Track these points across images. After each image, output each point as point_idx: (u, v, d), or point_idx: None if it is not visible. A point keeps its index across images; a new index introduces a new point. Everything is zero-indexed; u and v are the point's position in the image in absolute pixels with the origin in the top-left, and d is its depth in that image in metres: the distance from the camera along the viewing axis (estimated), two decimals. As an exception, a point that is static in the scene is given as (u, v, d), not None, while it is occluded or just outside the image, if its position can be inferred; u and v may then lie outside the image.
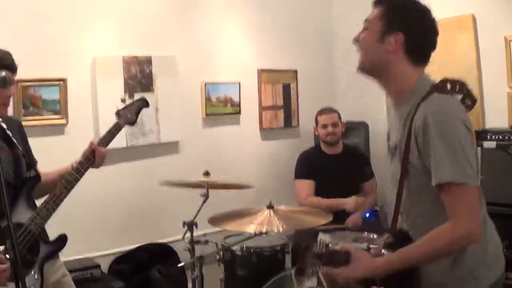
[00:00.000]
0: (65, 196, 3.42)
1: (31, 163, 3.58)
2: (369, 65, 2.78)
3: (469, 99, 2.73)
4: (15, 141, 3.42)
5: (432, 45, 2.73)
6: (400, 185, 2.70)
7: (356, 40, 2.82)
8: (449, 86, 2.65)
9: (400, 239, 2.70)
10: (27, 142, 3.64)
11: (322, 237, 2.86)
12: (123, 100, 3.85)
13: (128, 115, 3.88)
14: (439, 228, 2.49)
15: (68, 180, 3.44)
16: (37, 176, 3.46)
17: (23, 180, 3.41)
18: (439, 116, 2.49)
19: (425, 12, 2.70)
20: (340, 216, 5.14)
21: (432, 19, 2.71)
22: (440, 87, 2.64)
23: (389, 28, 2.66)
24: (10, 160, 3.35)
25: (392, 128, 2.87)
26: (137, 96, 5.17)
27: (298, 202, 5.75)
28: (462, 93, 2.70)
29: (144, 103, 4.03)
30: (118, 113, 3.86)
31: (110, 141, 3.73)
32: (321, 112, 5.96)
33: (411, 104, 2.62)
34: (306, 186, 5.77)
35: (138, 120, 5.31)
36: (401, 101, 2.74)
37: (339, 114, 5.94)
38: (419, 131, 2.53)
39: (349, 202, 5.55)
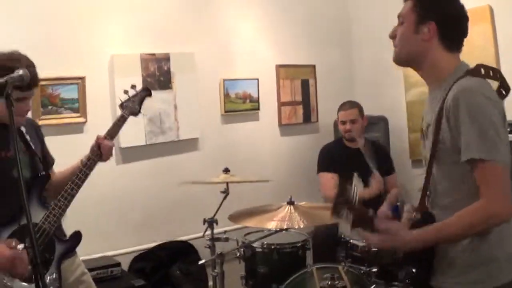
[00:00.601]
0: (76, 192, 3.42)
1: (48, 163, 3.62)
2: (406, 55, 2.86)
3: (504, 88, 2.77)
4: (31, 143, 3.44)
5: (463, 31, 2.83)
6: (430, 164, 2.75)
7: (393, 37, 2.90)
8: (483, 71, 2.70)
9: (426, 218, 2.72)
10: (44, 143, 3.67)
11: (356, 182, 2.89)
12: (125, 92, 3.91)
13: (132, 106, 3.87)
14: (471, 206, 2.50)
15: (78, 175, 3.45)
16: (47, 174, 3.48)
17: (33, 179, 3.42)
18: (469, 95, 2.54)
19: (455, 1, 2.82)
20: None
21: (461, 5, 2.82)
22: (473, 70, 2.70)
23: (422, 18, 2.76)
24: (27, 161, 3.37)
25: (426, 110, 2.91)
26: (154, 93, 5.20)
27: (323, 195, 5.73)
28: (497, 80, 2.75)
29: (147, 92, 4.02)
30: (122, 105, 3.86)
31: (116, 133, 3.73)
32: (341, 107, 5.92)
33: (446, 87, 2.68)
34: (330, 178, 5.71)
35: (157, 117, 5.39)
36: (437, 85, 2.80)
37: (360, 109, 5.88)
38: (450, 110, 2.57)
39: (370, 187, 5.52)
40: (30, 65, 3.24)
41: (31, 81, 3.18)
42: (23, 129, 3.46)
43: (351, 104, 5.89)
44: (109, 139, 3.64)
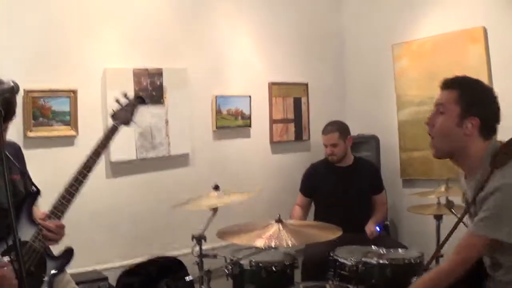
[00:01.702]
0: (67, 208, 3.36)
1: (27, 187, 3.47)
2: (448, 149, 2.94)
3: None
4: (17, 165, 3.36)
5: (499, 121, 2.94)
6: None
7: (431, 125, 2.96)
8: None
9: None
10: (24, 167, 3.55)
11: None
12: (117, 101, 3.80)
13: (124, 115, 3.74)
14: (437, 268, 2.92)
15: (68, 190, 3.39)
16: (37, 191, 3.37)
17: (24, 196, 3.34)
18: (501, 189, 2.68)
19: (492, 93, 2.93)
20: (350, 227, 5.02)
21: (496, 97, 2.92)
22: (499, 161, 2.78)
23: (466, 112, 2.83)
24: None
25: (465, 190, 3.04)
26: (146, 108, 5.20)
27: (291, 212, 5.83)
28: None
29: (140, 101, 3.88)
30: (113, 115, 3.74)
31: (106, 144, 3.64)
32: (323, 130, 5.91)
33: (480, 176, 2.81)
34: (300, 201, 5.94)
35: (148, 132, 5.37)
36: (472, 174, 2.91)
37: (341, 132, 5.82)
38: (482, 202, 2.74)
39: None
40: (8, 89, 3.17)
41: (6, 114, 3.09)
42: (7, 153, 3.26)
43: (332, 128, 5.85)
44: (53, 217, 3.36)
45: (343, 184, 5.68)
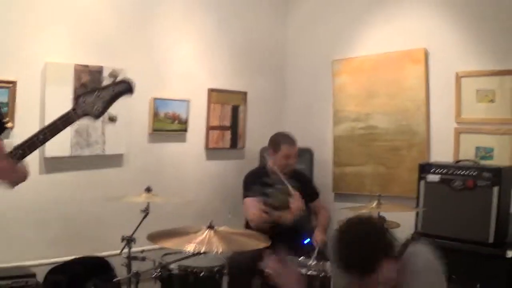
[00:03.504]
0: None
1: None
2: None
3: None
4: None
5: None
6: None
7: None
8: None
9: None
10: None
11: None
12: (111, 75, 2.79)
13: (91, 103, 2.75)
14: None
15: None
16: None
17: None
18: None
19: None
20: (277, 238, 5.03)
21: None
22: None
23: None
24: None
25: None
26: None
27: (249, 218, 5.61)
28: None
29: (125, 88, 2.88)
30: (77, 99, 2.76)
31: (53, 135, 2.75)
32: (286, 141, 5.76)
33: None
34: (255, 202, 5.65)
35: (84, 130, 5.32)
36: None
37: None
38: None
39: (285, 215, 5.50)
40: None
41: None
42: None
43: (294, 139, 5.78)
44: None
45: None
